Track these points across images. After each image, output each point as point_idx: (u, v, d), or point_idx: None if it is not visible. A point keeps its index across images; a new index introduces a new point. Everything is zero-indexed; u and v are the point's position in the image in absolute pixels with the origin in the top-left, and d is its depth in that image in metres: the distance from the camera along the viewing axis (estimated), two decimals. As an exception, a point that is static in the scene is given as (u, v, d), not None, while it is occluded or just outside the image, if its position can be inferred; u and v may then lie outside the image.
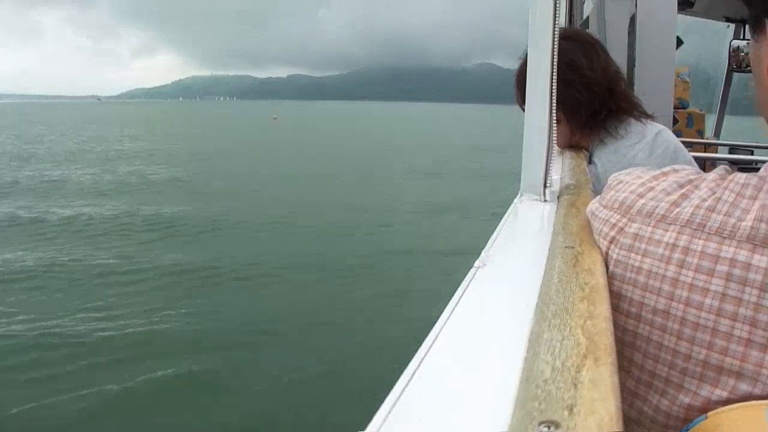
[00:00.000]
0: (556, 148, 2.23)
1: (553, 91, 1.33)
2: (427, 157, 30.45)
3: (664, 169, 0.76)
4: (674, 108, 3.72)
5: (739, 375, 0.59)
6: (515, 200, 1.34)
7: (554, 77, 1.33)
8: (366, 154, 34.05)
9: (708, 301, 0.61)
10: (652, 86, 3.27)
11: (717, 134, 6.49)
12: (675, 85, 3.67)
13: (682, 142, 4.66)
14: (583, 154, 2.08)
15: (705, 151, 5.11)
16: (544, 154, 1.31)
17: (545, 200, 1.33)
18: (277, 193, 19.61)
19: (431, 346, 0.60)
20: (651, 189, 0.72)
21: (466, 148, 37.37)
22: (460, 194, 19.04)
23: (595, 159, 1.99)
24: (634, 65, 3.31)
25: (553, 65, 1.30)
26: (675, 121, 3.90)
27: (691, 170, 0.74)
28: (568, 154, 2.07)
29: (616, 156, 1.93)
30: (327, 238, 13.31)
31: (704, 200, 0.66)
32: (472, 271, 0.83)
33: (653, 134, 1.98)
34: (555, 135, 1.35)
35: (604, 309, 0.61)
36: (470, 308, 0.70)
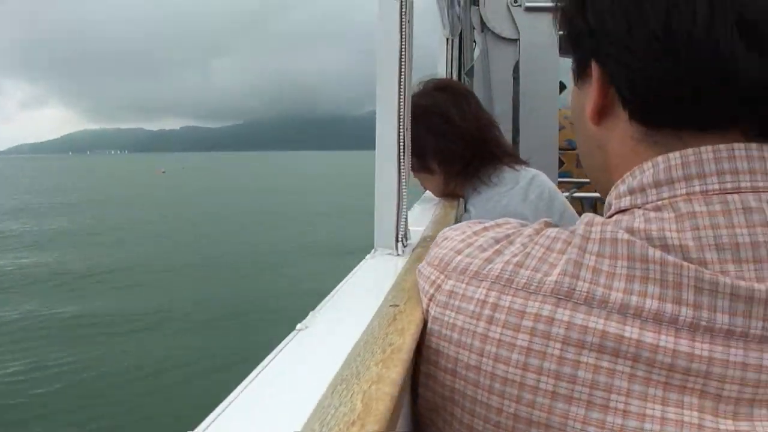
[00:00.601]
0: (431, 197, 2.25)
1: (403, 143, 1.31)
2: (304, 203, 31.07)
3: (487, 224, 0.76)
4: (562, 149, 3.82)
5: (547, 426, 0.59)
6: (368, 255, 1.32)
7: (405, 130, 1.32)
8: (241, 203, 34.65)
9: (515, 356, 0.61)
10: (537, 130, 3.36)
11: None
12: (563, 127, 3.78)
13: (573, 182, 4.81)
14: (456, 203, 2.09)
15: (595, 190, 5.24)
16: (395, 208, 1.30)
17: (398, 254, 1.31)
18: (150, 242, 20.26)
19: (220, 413, 0.58)
20: (469, 245, 0.73)
21: (352, 192, 38.02)
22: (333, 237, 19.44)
23: (470, 207, 2.00)
24: (519, 110, 3.40)
25: (401, 118, 1.29)
26: (561, 162, 4.00)
27: (513, 224, 0.74)
28: (442, 203, 2.08)
29: (490, 203, 1.95)
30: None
31: (515, 255, 0.67)
32: (292, 333, 0.81)
33: (527, 180, 2.01)
34: (405, 187, 1.33)
35: (396, 372, 0.61)
36: (272, 376, 0.68)
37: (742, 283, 0.56)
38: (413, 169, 2.02)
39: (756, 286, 0.55)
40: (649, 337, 0.57)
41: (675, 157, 0.62)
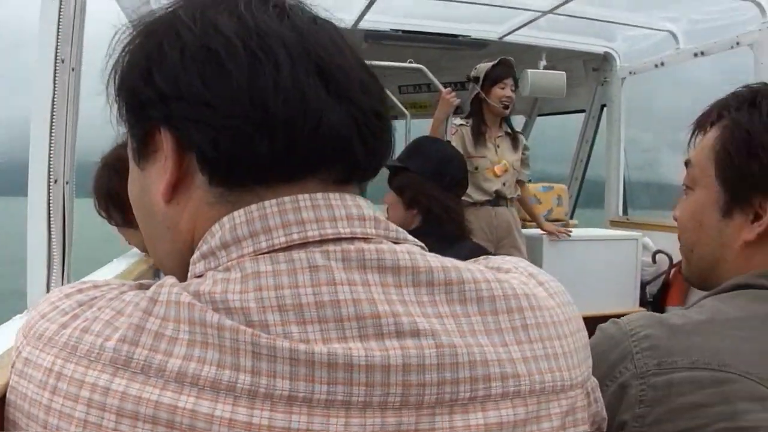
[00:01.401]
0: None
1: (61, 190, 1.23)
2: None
3: (90, 284, 0.68)
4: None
5: None
6: (17, 316, 1.21)
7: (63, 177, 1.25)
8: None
9: (73, 428, 0.56)
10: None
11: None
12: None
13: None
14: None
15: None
16: (44, 265, 1.21)
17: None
18: None
19: None
20: (55, 308, 0.65)
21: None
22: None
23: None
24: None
25: (50, 164, 1.22)
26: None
27: (112, 286, 0.67)
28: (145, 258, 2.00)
29: None
30: None
31: (86, 320, 0.61)
32: None
33: None
34: (58, 243, 1.25)
35: None
36: None
37: (302, 347, 0.54)
38: (116, 223, 1.92)
39: (317, 348, 0.54)
40: (205, 406, 0.53)
41: (240, 215, 0.60)
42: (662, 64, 4.87)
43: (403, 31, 4.81)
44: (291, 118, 0.58)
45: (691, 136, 0.99)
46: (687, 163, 0.98)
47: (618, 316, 0.90)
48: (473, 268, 0.62)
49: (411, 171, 2.22)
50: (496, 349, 0.58)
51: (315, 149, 0.60)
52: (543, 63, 4.84)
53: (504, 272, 0.66)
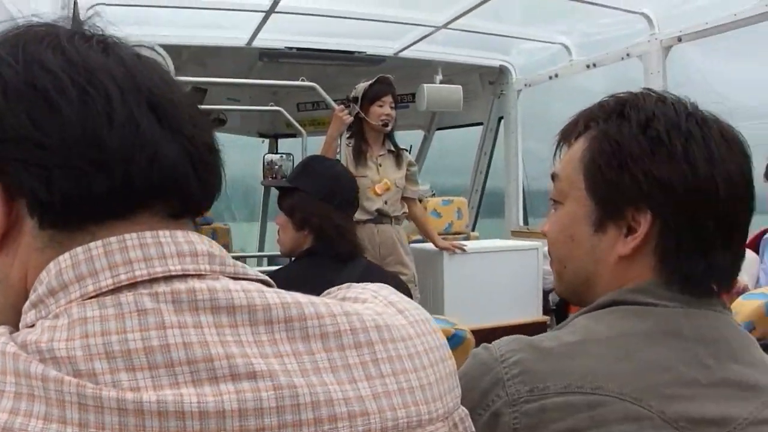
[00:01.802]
0: None
1: None
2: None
3: None
4: (198, 225, 3.81)
5: None
6: None
7: None
8: None
9: None
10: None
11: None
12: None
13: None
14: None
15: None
16: None
17: None
18: None
19: None
20: None
21: None
22: None
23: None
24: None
25: None
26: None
27: None
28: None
29: None
30: None
31: None
32: None
33: None
34: None
35: None
36: None
37: (130, 395, 0.50)
38: None
39: (146, 396, 0.50)
40: None
41: (65, 258, 0.56)
42: (556, 75, 5.04)
43: (298, 49, 4.80)
44: (127, 153, 0.57)
45: (556, 149, 0.96)
46: (554, 177, 0.95)
47: (522, 326, 0.87)
48: (318, 302, 0.60)
49: (301, 191, 2.16)
50: (342, 387, 0.56)
51: (151, 184, 0.58)
52: (439, 77, 4.92)
53: (361, 302, 0.65)
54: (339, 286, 0.71)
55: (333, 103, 3.60)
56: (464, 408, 0.67)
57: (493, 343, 0.84)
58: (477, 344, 0.85)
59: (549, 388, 0.76)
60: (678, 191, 0.82)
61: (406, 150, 4.05)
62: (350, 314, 0.60)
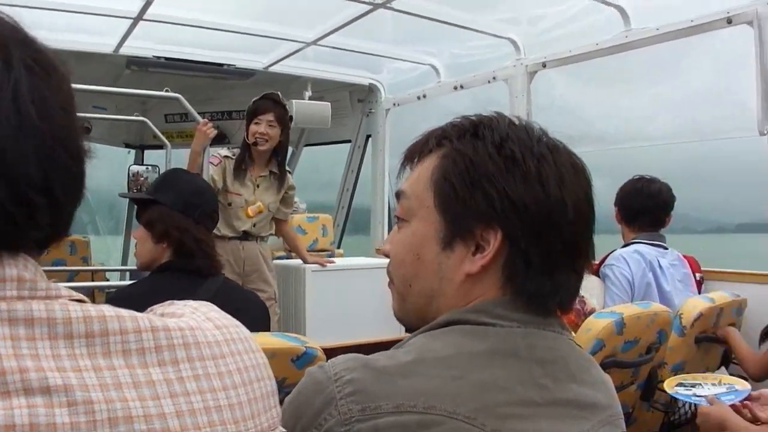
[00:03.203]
0: None
1: None
2: None
3: None
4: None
5: None
6: None
7: None
8: None
9: None
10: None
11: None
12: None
13: (69, 271, 4.57)
14: None
15: (93, 279, 5.18)
16: None
17: None
18: None
19: None
20: None
21: None
22: None
23: None
24: None
25: None
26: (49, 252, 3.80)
27: None
28: None
29: None
30: None
31: None
32: None
33: None
34: None
35: None
36: None
37: None
38: None
39: None
40: None
41: None
42: (424, 96, 5.13)
43: (167, 59, 4.67)
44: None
45: (402, 166, 0.95)
46: (399, 195, 0.94)
47: (386, 343, 0.86)
48: (126, 317, 0.59)
49: (161, 204, 2.14)
50: (144, 404, 0.55)
51: None
52: (308, 93, 4.94)
53: (177, 317, 0.64)
54: (162, 303, 0.70)
55: (197, 116, 3.49)
56: (283, 429, 0.67)
57: (329, 361, 0.83)
58: (329, 362, 0.86)
59: (381, 407, 0.75)
60: (531, 211, 0.83)
61: (290, 172, 3.98)
62: (158, 330, 0.59)
